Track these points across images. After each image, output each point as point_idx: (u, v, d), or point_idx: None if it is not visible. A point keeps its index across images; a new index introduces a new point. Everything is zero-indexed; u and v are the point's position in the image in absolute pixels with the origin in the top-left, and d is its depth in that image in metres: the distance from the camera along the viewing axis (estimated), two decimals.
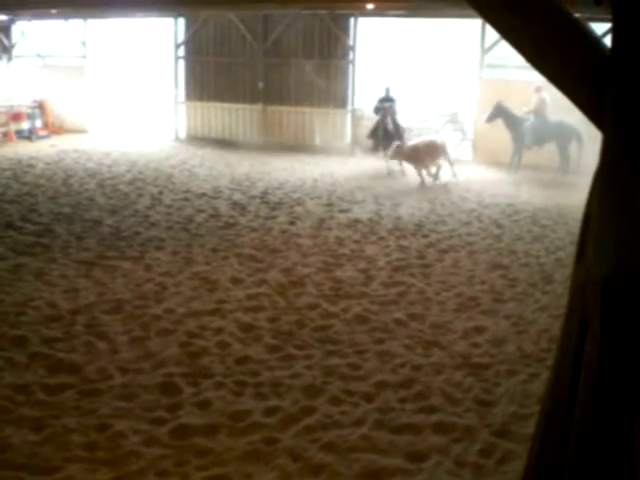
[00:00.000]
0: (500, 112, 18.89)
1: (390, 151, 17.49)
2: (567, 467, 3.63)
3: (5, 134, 23.81)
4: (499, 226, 13.59)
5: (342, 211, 14.38)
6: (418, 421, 6.56)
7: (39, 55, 26.14)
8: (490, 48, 20.31)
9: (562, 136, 18.23)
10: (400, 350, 8.08)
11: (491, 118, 19.20)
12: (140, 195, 15.57)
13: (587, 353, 3.50)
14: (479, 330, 8.69)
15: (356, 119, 21.97)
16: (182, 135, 24.11)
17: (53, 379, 7.35)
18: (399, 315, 9.07)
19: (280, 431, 6.41)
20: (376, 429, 6.44)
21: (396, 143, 17.84)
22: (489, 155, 19.82)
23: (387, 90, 20.48)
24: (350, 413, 6.72)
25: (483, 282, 10.44)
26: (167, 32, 24.38)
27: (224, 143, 22.77)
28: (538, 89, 18.40)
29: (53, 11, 22.38)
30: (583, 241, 3.75)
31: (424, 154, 16.83)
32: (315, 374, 7.46)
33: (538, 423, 4.07)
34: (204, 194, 15.73)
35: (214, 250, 11.73)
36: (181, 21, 23.66)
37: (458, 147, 21.55)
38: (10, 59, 26.10)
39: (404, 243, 12.27)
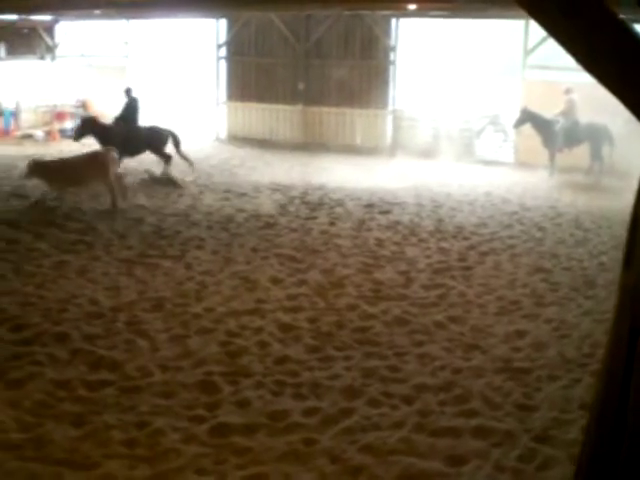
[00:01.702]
0: (528, 117, 18.64)
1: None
2: (620, 471, 3.58)
3: (49, 133, 24.14)
4: (541, 229, 13.44)
5: (382, 212, 14.32)
6: (458, 425, 6.50)
7: (82, 55, 26.45)
8: (533, 49, 20.10)
9: (594, 138, 17.94)
10: (440, 353, 8.03)
11: (519, 123, 18.99)
12: (181, 195, 15.68)
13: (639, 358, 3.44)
14: (520, 334, 8.59)
15: (397, 120, 21.88)
16: (223, 135, 24.21)
17: (94, 375, 7.43)
18: (439, 318, 9.01)
19: (319, 432, 6.40)
20: (415, 432, 6.39)
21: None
22: (531, 157, 19.60)
23: (128, 91, 18.92)
24: (389, 415, 6.68)
25: (524, 285, 10.32)
26: (209, 33, 24.53)
27: (264, 143, 22.83)
28: (567, 91, 18.16)
29: (97, 11, 22.63)
30: (631, 245, 3.68)
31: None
32: (354, 375, 7.44)
33: (587, 429, 4.01)
34: (244, 194, 15.79)
35: (254, 250, 11.76)
36: (223, 22, 23.77)
37: (499, 149, 21.36)
38: (54, 59, 26.44)
39: (445, 245, 12.19)
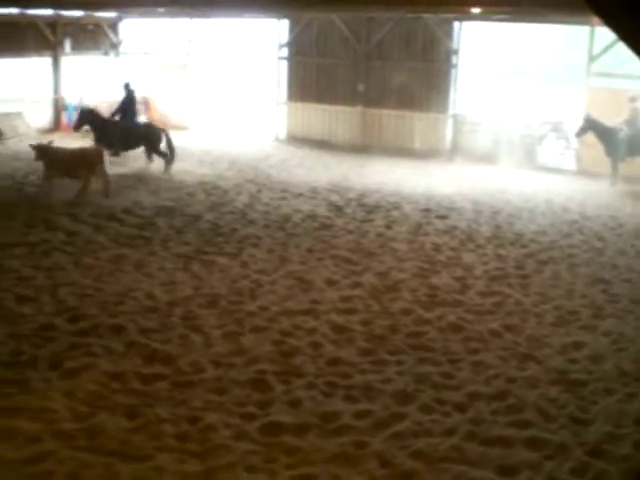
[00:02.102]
0: (591, 125, 18.26)
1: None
2: None
3: None
4: (601, 239, 13.16)
5: (439, 217, 14.21)
6: (510, 435, 6.42)
7: (145, 52, 26.80)
8: (598, 56, 19.74)
9: None
10: (495, 361, 7.94)
11: (581, 132, 18.59)
12: (239, 193, 15.77)
13: None
14: (577, 345, 8.45)
15: (457, 124, 21.69)
16: (282, 135, 24.30)
17: (148, 369, 7.53)
18: (495, 326, 8.91)
19: (370, 435, 6.38)
20: (467, 440, 6.33)
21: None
22: (593, 165, 19.25)
23: (127, 86, 18.88)
24: (441, 422, 6.63)
25: (583, 296, 10.13)
26: (271, 33, 24.64)
27: (323, 144, 22.84)
28: (632, 99, 17.76)
29: (161, 9, 22.90)
30: None
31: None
32: (407, 380, 7.40)
33: None
34: (301, 194, 15.81)
35: (309, 250, 11.77)
36: (285, 22, 23.85)
37: (561, 156, 21.01)
38: (117, 55, 26.84)
39: (502, 252, 12.03)
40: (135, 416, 6.59)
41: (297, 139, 23.57)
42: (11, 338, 8.13)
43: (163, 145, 17.96)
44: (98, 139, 17.74)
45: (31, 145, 15.19)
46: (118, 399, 6.90)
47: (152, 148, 18.01)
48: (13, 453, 5.94)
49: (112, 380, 7.24)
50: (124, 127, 18.03)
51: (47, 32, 24.21)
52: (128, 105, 18.50)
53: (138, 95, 25.51)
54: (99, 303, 9.21)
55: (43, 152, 14.79)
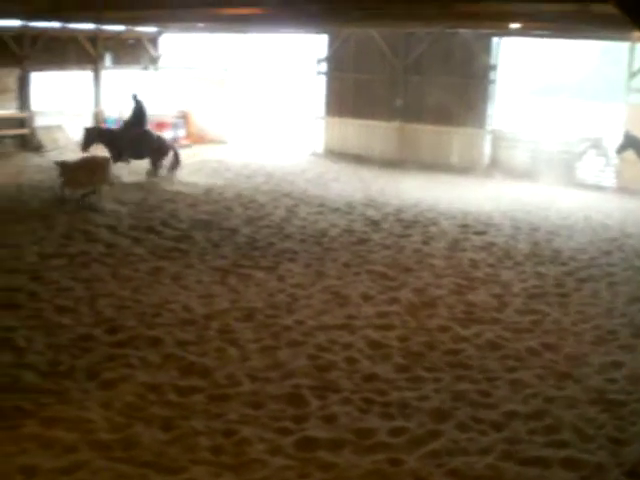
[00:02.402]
0: (630, 141, 17.99)
1: None
2: None
3: None
4: None
5: (477, 233, 14.11)
6: (547, 455, 6.34)
7: (184, 66, 27.07)
8: (638, 72, 19.52)
9: None
10: (532, 380, 7.84)
11: (621, 149, 18.34)
12: (276, 207, 15.81)
13: None
14: (616, 365, 8.32)
15: (495, 140, 21.57)
16: (319, 150, 24.35)
17: (184, 381, 7.56)
18: (533, 344, 8.81)
19: (405, 452, 6.33)
20: (503, 459, 6.26)
21: None
22: (633, 182, 19.01)
23: (135, 97, 19.02)
24: (477, 441, 6.56)
25: (623, 315, 9.97)
26: (309, 48, 24.74)
27: (360, 159, 22.84)
28: None
29: (200, 25, 23.13)
30: None
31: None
32: (443, 398, 7.34)
33: None
34: (338, 209, 15.81)
35: (346, 265, 11.75)
36: (323, 37, 23.94)
37: (601, 173, 20.77)
38: (157, 69, 27.14)
39: (541, 270, 11.89)
40: (171, 428, 6.61)
41: (334, 154, 23.61)
42: (50, 348, 8.22)
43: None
44: (111, 151, 18.11)
45: (56, 162, 15.75)
46: (154, 411, 6.92)
47: (159, 159, 18.32)
48: (50, 462, 5.99)
49: (149, 392, 7.27)
50: (135, 136, 18.27)
51: (88, 46, 24.59)
52: (138, 116, 18.71)
53: (176, 109, 25.96)
54: (137, 315, 9.28)
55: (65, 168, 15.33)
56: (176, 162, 18.30)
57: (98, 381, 7.47)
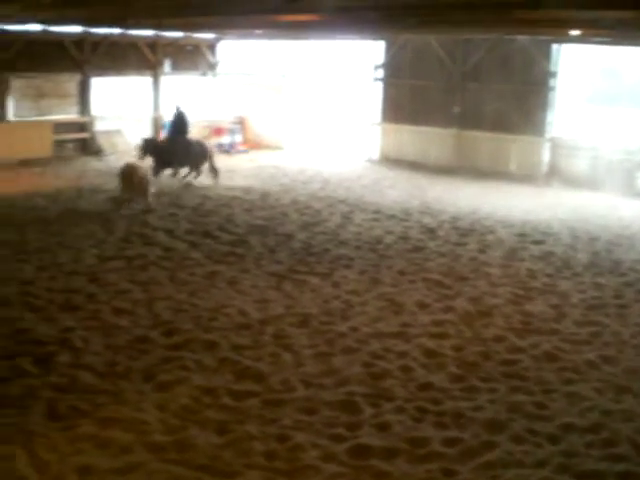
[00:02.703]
0: None
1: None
2: None
3: None
4: None
5: (535, 242, 13.90)
6: (603, 468, 6.22)
7: (242, 73, 27.30)
8: None
9: None
10: (590, 393, 7.69)
11: None
12: (331, 213, 15.83)
13: None
14: None
15: (554, 148, 21.26)
16: (375, 156, 24.32)
17: (239, 385, 7.60)
18: (591, 356, 8.64)
19: (459, 463, 6.28)
20: (559, 473, 6.16)
21: None
22: None
23: (178, 109, 19.44)
24: (532, 453, 6.46)
25: None
26: (366, 54, 24.73)
27: (416, 166, 22.73)
28: None
29: (258, 31, 23.31)
30: None
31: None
32: (499, 409, 7.24)
33: None
34: (394, 216, 15.75)
35: (401, 273, 11.69)
36: (380, 44, 23.92)
37: None
38: (215, 75, 27.41)
39: (600, 280, 11.65)
40: (225, 432, 6.65)
41: (390, 160, 23.55)
42: (107, 349, 8.35)
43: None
44: (157, 163, 18.44)
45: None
46: (209, 414, 6.97)
47: (198, 165, 18.69)
48: (105, 463, 6.06)
49: (204, 395, 7.33)
50: (177, 148, 18.65)
51: (148, 52, 24.97)
52: (180, 126, 19.11)
53: (234, 115, 26.22)
54: (193, 318, 9.37)
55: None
56: (213, 167, 18.60)
57: (154, 383, 7.56)
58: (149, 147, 18.55)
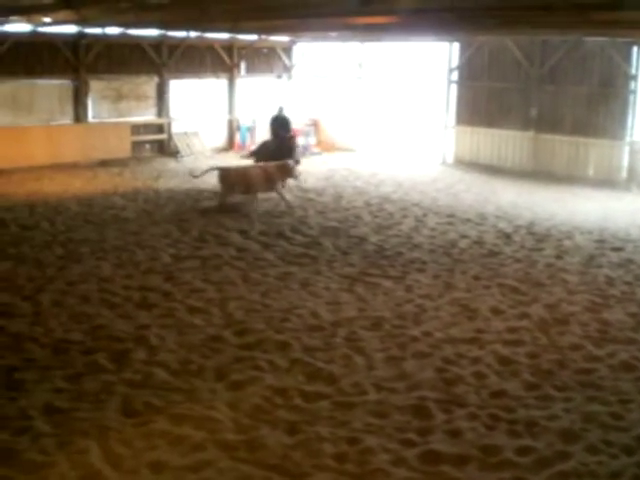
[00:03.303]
0: None
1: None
2: None
3: None
4: None
5: (614, 249, 13.54)
6: None
7: (317, 75, 27.40)
8: None
9: None
10: None
11: None
12: (405, 216, 15.74)
13: None
14: None
15: (635, 152, 20.73)
16: (449, 159, 24.13)
17: (310, 386, 7.62)
18: None
19: (532, 472, 6.16)
20: None
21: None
22: None
23: (280, 110, 19.53)
24: (607, 464, 6.31)
25: None
26: (441, 56, 24.57)
27: (492, 169, 22.46)
28: None
29: (333, 34, 23.37)
30: None
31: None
32: (573, 418, 7.09)
33: None
34: (469, 220, 15.58)
35: (476, 278, 11.54)
36: (455, 46, 23.73)
37: None
38: (290, 78, 27.59)
39: None
40: (296, 432, 6.67)
41: (465, 163, 23.34)
42: (181, 347, 8.48)
43: None
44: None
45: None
46: (280, 414, 7.01)
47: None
48: (177, 460, 6.15)
49: (275, 395, 7.37)
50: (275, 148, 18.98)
51: (224, 55, 25.28)
52: (280, 126, 19.44)
53: (308, 117, 26.36)
54: (265, 318, 9.44)
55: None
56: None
57: (226, 382, 7.64)
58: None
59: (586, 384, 7.88)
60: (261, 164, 17.28)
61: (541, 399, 7.50)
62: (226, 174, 15.98)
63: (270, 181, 16.05)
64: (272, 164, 16.59)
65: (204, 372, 7.84)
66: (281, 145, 19.17)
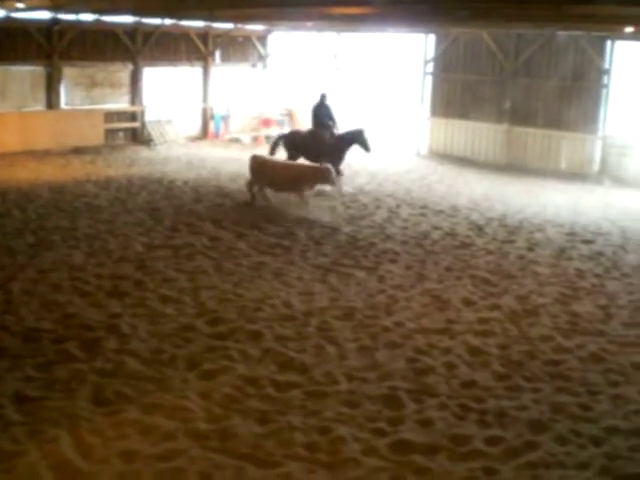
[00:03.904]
0: None
1: None
2: None
3: (255, 138, 25.17)
4: None
5: (585, 242, 13.69)
6: None
7: (292, 65, 27.33)
8: None
9: None
10: (636, 396, 7.58)
11: None
12: (378, 207, 15.78)
13: None
14: None
15: (606, 146, 20.92)
16: (423, 151, 24.20)
17: (282, 376, 7.63)
18: (638, 359, 8.50)
19: (501, 462, 6.22)
20: (601, 475, 6.08)
21: None
22: None
23: (323, 98, 18.18)
24: (575, 455, 6.39)
25: None
26: (416, 48, 24.61)
27: (465, 161, 22.58)
28: None
29: (309, 24, 23.32)
30: None
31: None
32: (542, 409, 7.17)
33: None
34: (441, 211, 15.66)
35: (448, 269, 11.62)
36: (431, 38, 23.78)
37: None
38: (265, 67, 27.49)
39: None
40: (267, 422, 6.68)
41: (439, 155, 23.44)
42: (153, 336, 8.45)
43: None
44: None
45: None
46: (252, 404, 7.01)
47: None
48: (148, 449, 6.14)
49: (247, 384, 7.38)
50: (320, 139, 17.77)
51: (199, 43, 25.14)
52: (323, 115, 18.13)
53: (282, 107, 26.23)
54: (238, 308, 9.43)
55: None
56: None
57: (198, 371, 7.63)
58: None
59: (555, 375, 7.97)
60: (296, 163, 16.36)
61: (511, 389, 7.58)
62: (254, 163, 15.44)
63: (297, 182, 14.90)
64: (308, 166, 15.69)
65: (176, 361, 7.83)
66: (315, 142, 17.58)
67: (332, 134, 17.68)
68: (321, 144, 17.34)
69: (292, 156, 17.53)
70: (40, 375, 7.40)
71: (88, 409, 6.75)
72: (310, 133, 17.81)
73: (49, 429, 6.35)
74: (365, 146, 17.45)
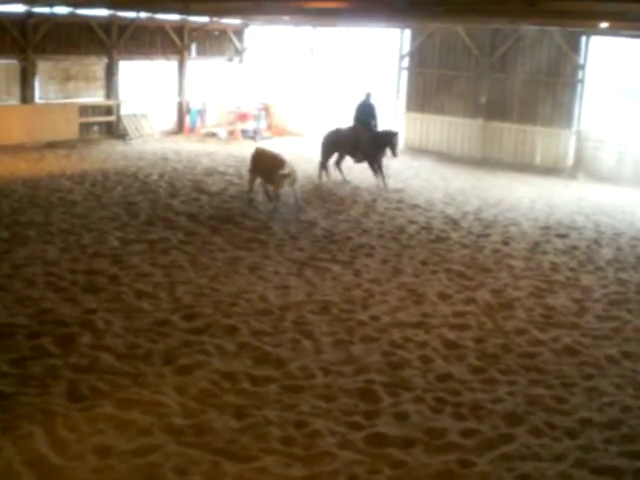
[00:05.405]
0: None
1: None
2: None
3: (231, 133, 25.07)
4: None
5: (559, 236, 13.80)
6: (621, 465, 6.19)
7: (268, 59, 27.25)
8: None
9: None
10: (610, 389, 7.65)
11: None
12: (354, 201, 15.81)
13: None
14: None
15: (580, 141, 21.07)
16: (399, 145, 24.18)
17: (258, 370, 7.63)
18: (612, 352, 8.58)
19: (476, 455, 6.26)
20: (576, 467, 6.13)
21: None
22: None
23: (368, 96, 18.28)
24: (550, 447, 6.44)
25: None
26: (392, 43, 24.62)
27: (441, 156, 22.64)
28: None
29: (285, 18, 23.27)
30: None
31: None
32: (518, 401, 7.23)
33: None
34: (417, 205, 15.71)
35: (423, 263, 11.66)
36: (407, 33, 23.80)
37: None
38: (241, 61, 27.39)
39: (623, 276, 11.55)
40: (243, 416, 6.68)
41: (415, 150, 23.46)
42: (128, 331, 8.41)
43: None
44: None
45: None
46: (228, 398, 7.01)
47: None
48: (124, 444, 6.11)
49: (223, 379, 7.37)
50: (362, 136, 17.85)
51: (174, 37, 24.99)
52: (367, 114, 18.14)
53: (259, 101, 26.15)
54: (214, 303, 9.41)
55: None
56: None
57: (174, 366, 7.60)
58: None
59: (530, 368, 8.03)
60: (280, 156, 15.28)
61: (486, 382, 7.63)
62: (253, 155, 15.29)
63: (270, 174, 14.45)
64: (280, 160, 14.74)
65: (151, 356, 7.80)
66: (375, 138, 17.65)
67: (371, 133, 17.81)
68: (360, 141, 17.59)
69: (325, 155, 17.80)
70: (14, 371, 7.33)
71: (63, 405, 6.70)
72: (351, 130, 17.97)
73: (24, 425, 6.29)
74: (394, 149, 17.69)
